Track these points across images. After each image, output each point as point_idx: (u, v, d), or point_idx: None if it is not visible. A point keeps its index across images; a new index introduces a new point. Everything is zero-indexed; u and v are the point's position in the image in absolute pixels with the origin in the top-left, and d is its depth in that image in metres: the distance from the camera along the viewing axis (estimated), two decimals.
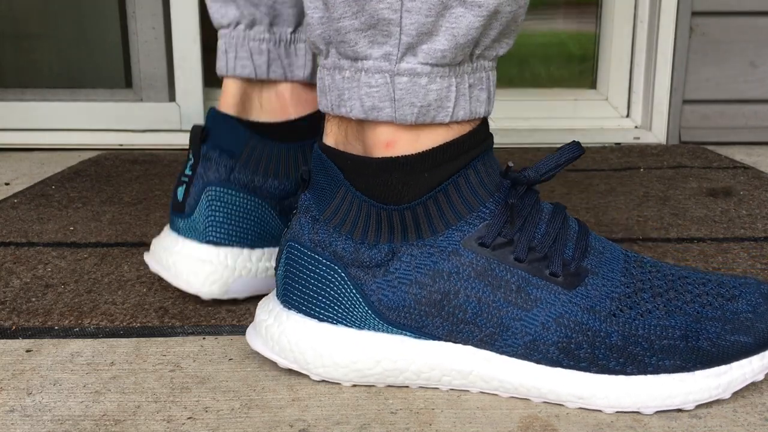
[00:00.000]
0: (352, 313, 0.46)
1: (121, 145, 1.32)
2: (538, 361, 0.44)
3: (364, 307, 0.46)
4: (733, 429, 0.43)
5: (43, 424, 0.43)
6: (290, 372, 0.49)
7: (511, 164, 0.45)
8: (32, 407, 0.45)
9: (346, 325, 0.46)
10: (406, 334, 0.46)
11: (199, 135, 0.57)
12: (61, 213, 0.88)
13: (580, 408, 0.45)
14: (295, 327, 0.47)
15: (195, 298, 0.61)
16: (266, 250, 0.59)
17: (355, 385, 0.47)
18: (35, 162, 1.20)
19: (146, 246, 0.75)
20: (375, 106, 0.43)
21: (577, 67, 1.53)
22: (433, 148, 0.44)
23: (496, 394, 0.46)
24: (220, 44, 0.61)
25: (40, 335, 0.55)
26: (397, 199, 0.44)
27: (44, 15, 1.40)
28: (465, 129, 0.45)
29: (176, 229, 0.58)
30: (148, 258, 0.60)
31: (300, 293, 0.47)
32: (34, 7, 1.39)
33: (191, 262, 0.57)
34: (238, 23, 0.60)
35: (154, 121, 1.33)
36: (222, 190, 0.57)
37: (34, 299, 0.61)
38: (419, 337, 0.46)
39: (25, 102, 1.33)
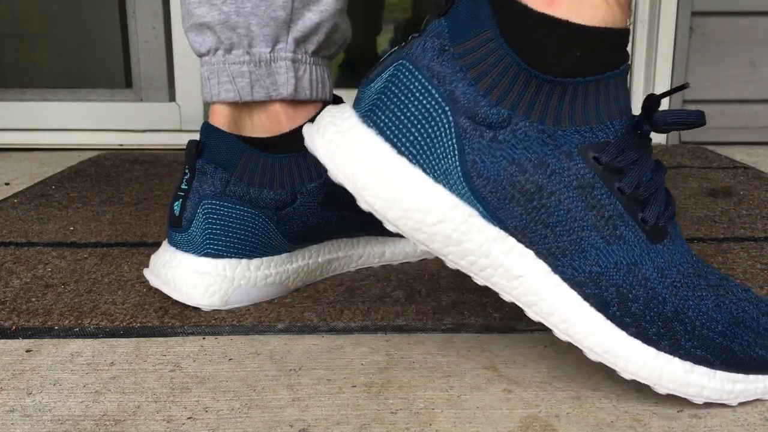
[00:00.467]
0: (440, 161, 0.43)
1: (121, 145, 1.32)
2: (587, 297, 0.44)
3: (455, 161, 0.43)
4: (733, 429, 0.43)
5: (43, 424, 0.43)
6: (290, 372, 0.49)
7: (687, 84, 0.45)
8: (32, 407, 0.45)
9: (423, 171, 0.43)
10: (478, 209, 0.44)
11: (194, 149, 0.58)
12: (61, 213, 0.88)
13: (599, 361, 0.45)
14: (365, 143, 0.43)
15: None
16: (264, 259, 0.60)
17: (354, 386, 0.47)
18: (35, 162, 1.20)
19: (146, 246, 0.75)
20: None
21: None
22: (597, 26, 0.41)
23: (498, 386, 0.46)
24: (203, 71, 0.62)
25: (40, 335, 0.55)
26: (541, 65, 0.41)
27: (44, 15, 1.40)
28: (623, 20, 0.43)
29: (174, 243, 0.59)
30: (148, 273, 0.61)
31: (390, 115, 0.43)
32: (34, 7, 1.39)
33: (190, 276, 0.58)
34: (216, 49, 0.60)
35: (154, 121, 1.33)
36: (218, 203, 0.58)
37: (34, 299, 0.61)
38: (488, 219, 0.44)
39: (25, 102, 1.33)
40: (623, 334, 0.44)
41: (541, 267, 0.44)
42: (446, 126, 0.43)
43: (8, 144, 1.30)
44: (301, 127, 0.61)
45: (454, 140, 0.43)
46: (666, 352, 0.44)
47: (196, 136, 0.60)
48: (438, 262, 0.69)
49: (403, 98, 0.43)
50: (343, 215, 0.63)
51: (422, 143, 0.43)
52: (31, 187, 1.01)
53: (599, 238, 0.43)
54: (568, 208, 0.43)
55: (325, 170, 0.48)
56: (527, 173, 0.43)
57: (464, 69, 0.42)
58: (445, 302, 0.60)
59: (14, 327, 0.56)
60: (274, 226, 0.59)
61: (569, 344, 0.45)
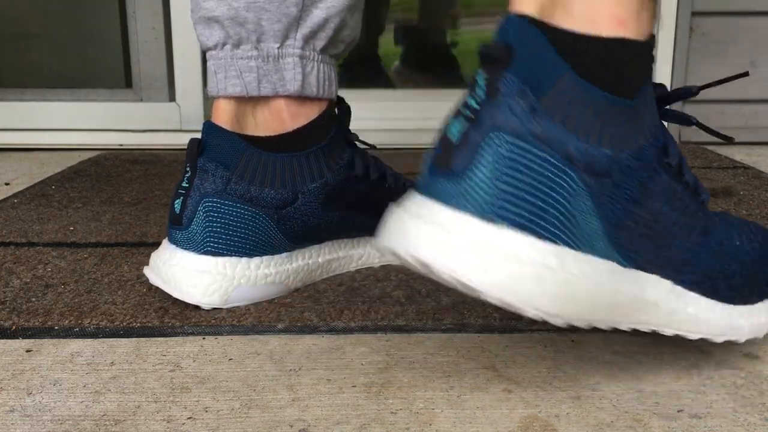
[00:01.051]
0: (580, 229, 0.39)
1: (121, 145, 1.32)
2: (704, 292, 0.46)
3: (595, 222, 0.40)
4: (733, 429, 0.43)
5: (43, 424, 0.43)
6: (290, 372, 0.49)
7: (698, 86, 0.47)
8: (32, 407, 0.45)
9: (569, 246, 0.39)
10: (618, 260, 0.41)
11: (195, 148, 0.58)
12: (61, 213, 0.88)
13: (725, 341, 0.48)
14: (509, 245, 0.38)
15: None
16: (264, 258, 0.60)
17: (354, 386, 0.47)
18: (35, 162, 1.20)
19: (146, 246, 0.75)
20: None
21: None
22: (651, 38, 0.40)
23: (506, 393, 0.46)
24: (210, 66, 0.62)
25: (40, 335, 0.55)
26: (619, 90, 0.39)
27: (44, 15, 1.40)
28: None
29: (174, 241, 0.59)
30: (148, 271, 0.61)
31: (518, 201, 0.39)
32: (34, 7, 1.39)
33: (190, 274, 0.57)
34: (224, 44, 0.60)
35: (154, 121, 1.33)
36: (218, 201, 0.57)
37: (34, 299, 0.61)
38: (626, 265, 0.42)
39: (25, 102, 1.33)
40: (736, 308, 0.47)
41: (666, 285, 0.46)
42: (575, 190, 0.39)
43: (8, 144, 1.30)
44: (303, 127, 0.61)
45: (588, 201, 0.40)
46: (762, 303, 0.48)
47: (197, 136, 0.60)
48: None
49: (522, 177, 0.39)
50: (343, 215, 0.63)
51: (558, 216, 0.39)
52: (31, 187, 1.01)
53: (700, 236, 0.45)
54: (674, 221, 0.44)
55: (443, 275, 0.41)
56: (640, 203, 0.42)
57: (562, 122, 0.39)
58: (445, 302, 0.60)
59: (14, 327, 0.56)
60: (275, 225, 0.59)
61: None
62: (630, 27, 0.40)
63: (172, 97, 1.35)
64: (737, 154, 1.23)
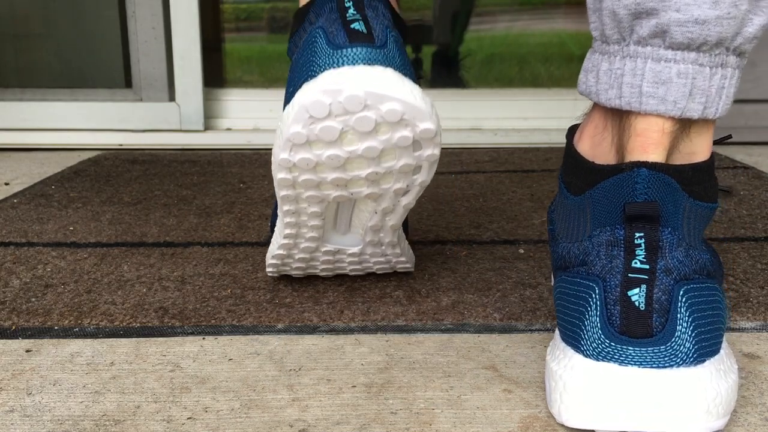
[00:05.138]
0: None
1: (121, 145, 1.31)
2: None
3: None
4: (733, 429, 0.43)
5: (43, 424, 0.43)
6: (290, 372, 0.49)
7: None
8: (32, 407, 0.45)
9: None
10: None
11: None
12: (61, 213, 0.88)
13: None
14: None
15: (195, 298, 0.61)
16: None
17: (354, 386, 0.47)
18: (35, 162, 1.20)
19: (146, 246, 0.75)
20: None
21: (577, 67, 1.53)
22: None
23: (495, 396, 0.46)
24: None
25: (39, 335, 0.55)
26: (714, 196, 0.47)
27: (44, 15, 1.40)
28: None
29: (365, 59, 0.48)
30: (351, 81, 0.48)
31: (713, 334, 0.43)
32: (34, 7, 1.39)
33: (407, 81, 0.49)
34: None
35: (154, 121, 1.33)
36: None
37: (34, 299, 0.61)
38: None
39: (25, 102, 1.33)
40: None
41: None
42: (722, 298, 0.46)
43: (8, 144, 1.30)
44: None
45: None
46: None
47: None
48: (438, 262, 0.69)
49: (708, 312, 0.43)
50: None
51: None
52: (31, 187, 1.01)
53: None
54: None
55: None
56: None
57: (692, 246, 0.45)
58: (445, 302, 0.60)
59: (14, 327, 0.56)
60: None
61: None
62: (708, 152, 0.47)
63: (171, 97, 1.35)
64: (737, 154, 1.23)
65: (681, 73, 0.43)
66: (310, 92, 0.47)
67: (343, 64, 0.48)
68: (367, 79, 0.47)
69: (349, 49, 0.48)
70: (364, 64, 0.48)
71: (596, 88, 0.47)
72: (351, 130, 0.48)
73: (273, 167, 0.52)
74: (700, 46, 0.43)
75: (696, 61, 0.43)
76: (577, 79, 0.50)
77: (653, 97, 0.43)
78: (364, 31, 0.49)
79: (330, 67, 0.48)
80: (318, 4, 0.53)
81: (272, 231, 0.63)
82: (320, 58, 0.49)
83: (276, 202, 0.61)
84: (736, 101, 0.49)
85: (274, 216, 0.63)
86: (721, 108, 0.44)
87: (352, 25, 0.49)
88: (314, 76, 0.49)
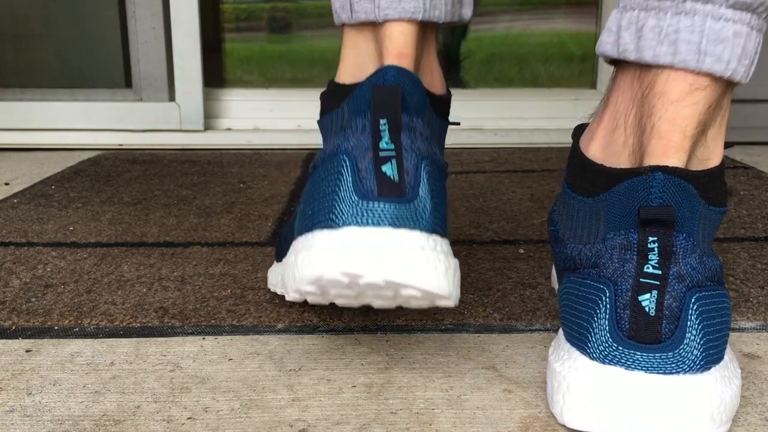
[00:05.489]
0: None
1: (121, 145, 1.32)
2: None
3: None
4: (733, 429, 0.43)
5: (43, 424, 0.43)
6: (290, 372, 0.49)
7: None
8: (32, 407, 0.45)
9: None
10: None
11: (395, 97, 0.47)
12: (61, 213, 0.88)
13: None
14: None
15: (195, 298, 0.61)
16: None
17: (354, 386, 0.47)
18: (35, 162, 1.20)
19: (146, 246, 0.75)
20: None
21: (577, 67, 1.53)
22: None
23: (495, 395, 0.46)
24: None
25: (39, 335, 0.55)
26: (723, 200, 0.46)
27: (44, 15, 1.40)
28: None
29: (392, 217, 0.45)
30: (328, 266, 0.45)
31: (720, 343, 0.43)
32: (34, 7, 1.39)
33: (431, 255, 0.46)
34: None
35: (154, 121, 1.33)
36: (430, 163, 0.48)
37: (34, 299, 0.61)
38: None
39: (25, 102, 1.33)
40: None
41: None
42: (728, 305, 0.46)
43: (8, 144, 1.30)
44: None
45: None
46: None
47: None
48: None
49: (719, 319, 0.43)
50: None
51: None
52: (31, 187, 1.01)
53: None
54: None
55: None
56: None
57: (705, 253, 0.46)
58: None
59: (14, 327, 0.56)
60: None
61: None
62: (720, 157, 0.47)
63: (171, 97, 1.35)
64: (737, 154, 1.23)
65: (737, 33, 0.43)
66: (329, 267, 0.44)
67: (368, 223, 0.45)
68: (389, 260, 0.44)
69: (377, 204, 0.45)
70: (390, 225, 0.45)
71: (637, 45, 0.45)
72: (366, 296, 0.48)
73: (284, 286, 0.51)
74: (757, 7, 0.43)
75: (749, 22, 0.43)
76: (597, 42, 0.48)
77: (710, 55, 0.43)
78: (395, 178, 0.45)
79: (354, 221, 0.45)
80: (353, 103, 0.48)
81: (278, 259, 0.60)
82: (345, 204, 0.46)
83: (282, 230, 0.60)
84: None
85: (282, 242, 0.58)
86: (752, 73, 0.45)
87: (383, 167, 0.46)
88: (336, 223, 0.45)
